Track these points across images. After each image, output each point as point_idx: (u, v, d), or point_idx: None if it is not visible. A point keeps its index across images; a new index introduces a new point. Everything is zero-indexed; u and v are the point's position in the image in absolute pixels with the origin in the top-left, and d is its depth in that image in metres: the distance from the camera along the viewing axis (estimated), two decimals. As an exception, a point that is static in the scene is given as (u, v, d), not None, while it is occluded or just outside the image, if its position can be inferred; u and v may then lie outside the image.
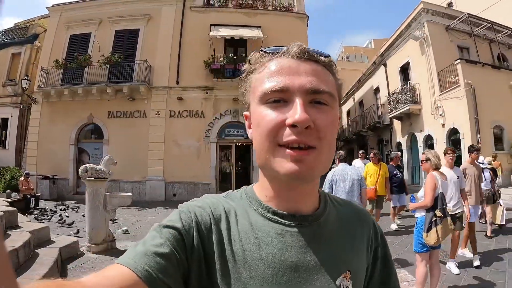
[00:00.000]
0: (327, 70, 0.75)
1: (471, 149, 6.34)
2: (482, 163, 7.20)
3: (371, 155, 8.35)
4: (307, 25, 17.86)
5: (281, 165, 0.67)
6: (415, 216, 4.41)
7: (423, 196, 4.23)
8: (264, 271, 0.68)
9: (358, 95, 27.09)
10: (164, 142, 16.09)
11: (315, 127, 0.66)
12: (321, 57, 0.74)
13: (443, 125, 15.55)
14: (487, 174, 7.43)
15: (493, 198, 7.49)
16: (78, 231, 7.83)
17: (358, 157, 10.21)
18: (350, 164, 8.07)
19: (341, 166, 5.56)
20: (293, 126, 0.65)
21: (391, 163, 8.98)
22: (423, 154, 4.58)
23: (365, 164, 9.08)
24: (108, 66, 15.89)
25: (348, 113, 31.02)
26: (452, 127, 15.13)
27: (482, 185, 6.59)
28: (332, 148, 0.71)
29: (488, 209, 7.69)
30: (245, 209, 0.77)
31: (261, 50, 0.77)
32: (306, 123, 0.64)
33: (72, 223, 9.20)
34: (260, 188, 0.79)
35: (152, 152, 15.98)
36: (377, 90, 23.15)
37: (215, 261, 0.68)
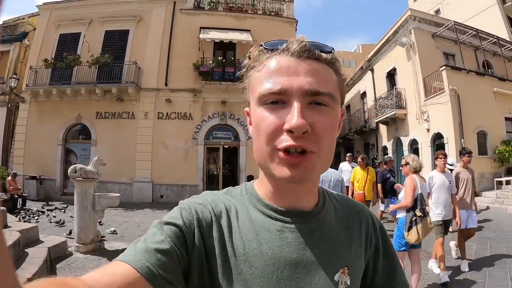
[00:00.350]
0: (329, 67, 0.72)
1: (462, 152, 6.14)
2: (452, 165, 7.20)
3: (359, 159, 8.22)
4: (296, 30, 17.98)
5: (277, 169, 0.67)
6: (396, 216, 4.57)
7: (404, 197, 4.39)
8: (265, 267, 0.68)
9: (345, 99, 27.14)
10: (152, 144, 16.07)
11: (313, 130, 0.65)
12: (322, 54, 0.71)
13: (428, 129, 15.73)
14: None
15: None
16: (70, 232, 7.71)
17: (345, 160, 10.27)
18: (337, 166, 8.14)
19: None
20: (290, 131, 0.64)
21: (384, 166, 8.91)
22: (403, 158, 4.71)
23: (352, 167, 9.01)
24: (97, 66, 15.79)
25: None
26: (436, 132, 15.31)
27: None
28: (330, 150, 0.70)
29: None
30: (245, 206, 0.77)
31: (261, 45, 0.76)
32: (303, 129, 0.63)
33: (63, 222, 9.22)
34: (260, 185, 0.79)
35: (140, 153, 15.94)
36: (364, 95, 23.41)
37: (216, 258, 0.68)
